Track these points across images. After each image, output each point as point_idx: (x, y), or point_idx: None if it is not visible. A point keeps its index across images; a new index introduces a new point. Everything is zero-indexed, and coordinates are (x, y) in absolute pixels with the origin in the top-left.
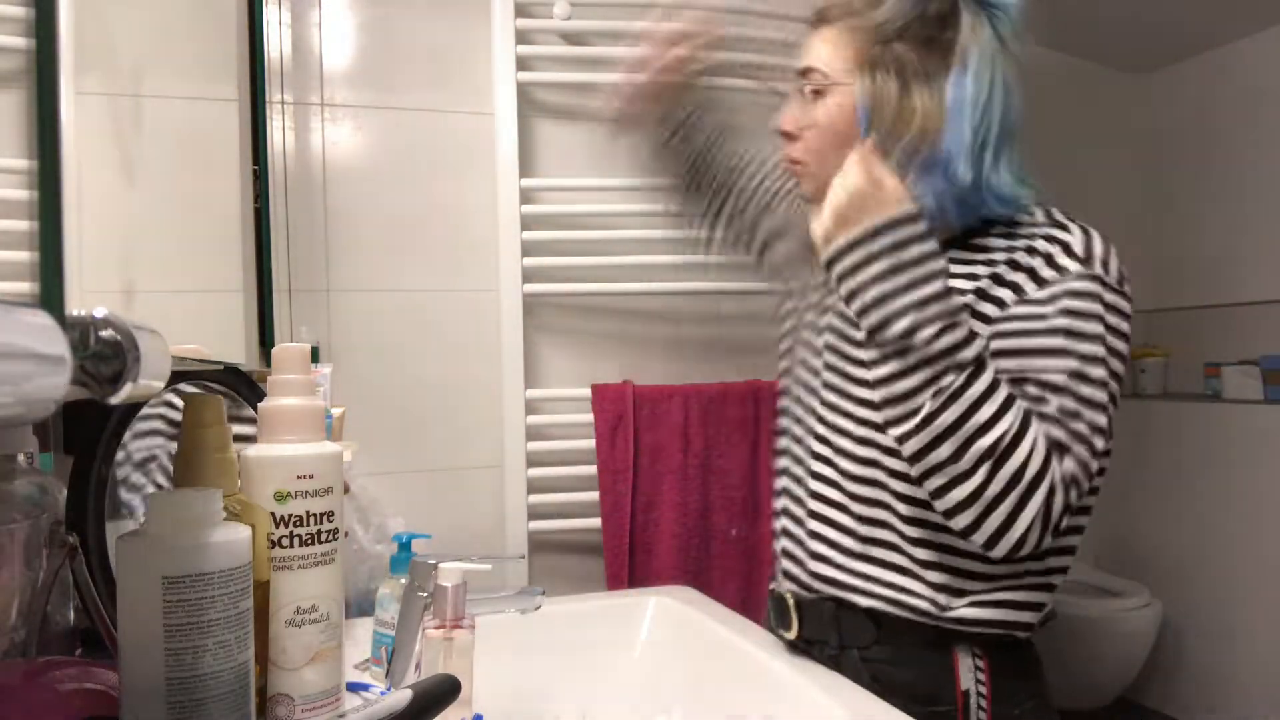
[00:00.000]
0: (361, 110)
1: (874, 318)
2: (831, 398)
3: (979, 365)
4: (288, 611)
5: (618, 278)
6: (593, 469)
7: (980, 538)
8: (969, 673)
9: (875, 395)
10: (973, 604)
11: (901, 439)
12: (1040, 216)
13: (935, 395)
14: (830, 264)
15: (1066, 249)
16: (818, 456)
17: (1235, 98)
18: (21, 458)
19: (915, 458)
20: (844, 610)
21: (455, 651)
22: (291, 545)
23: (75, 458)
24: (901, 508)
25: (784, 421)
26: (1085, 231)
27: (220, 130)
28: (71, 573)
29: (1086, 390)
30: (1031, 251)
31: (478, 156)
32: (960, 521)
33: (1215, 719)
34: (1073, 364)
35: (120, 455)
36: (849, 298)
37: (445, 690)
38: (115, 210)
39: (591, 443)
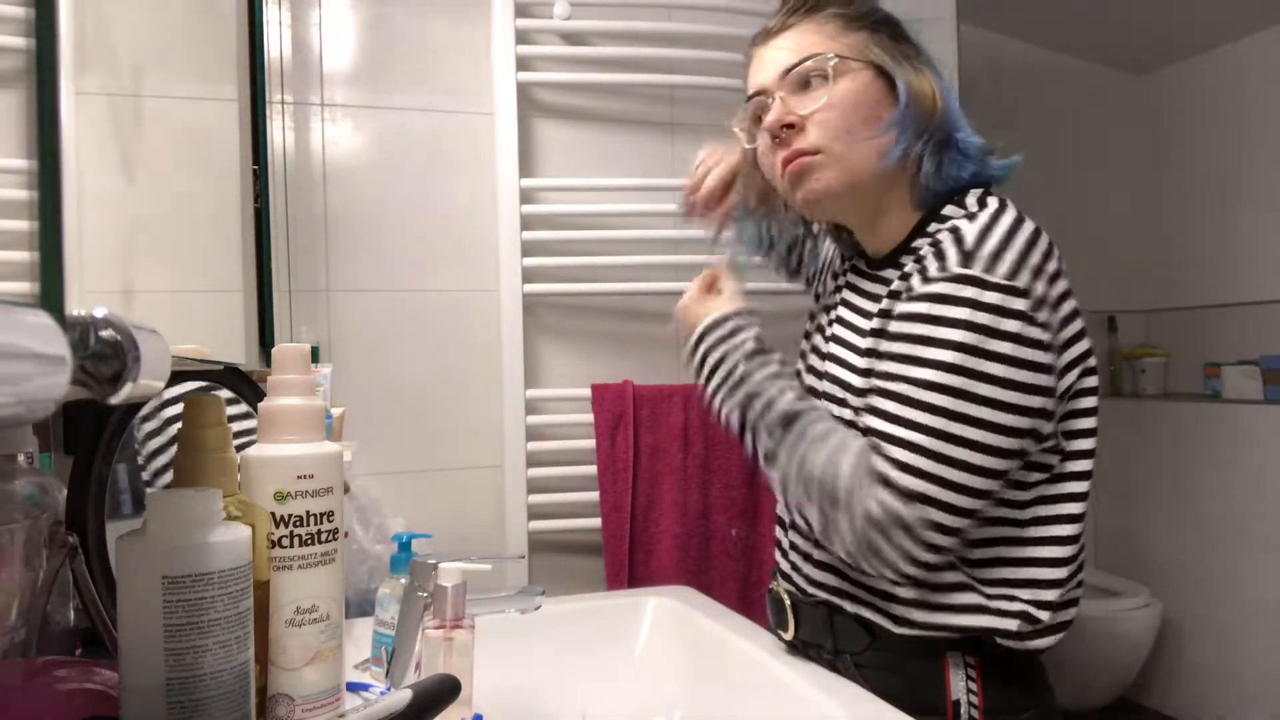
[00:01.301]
0: (361, 110)
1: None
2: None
3: (787, 420)
4: (288, 611)
5: (618, 278)
6: (593, 469)
7: (843, 554)
8: (960, 681)
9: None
10: (952, 611)
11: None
12: (971, 203)
13: (754, 452)
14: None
15: (958, 240)
16: None
17: (1235, 98)
18: (21, 458)
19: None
20: (838, 615)
21: (455, 651)
22: (291, 545)
23: (75, 458)
24: None
25: None
26: (992, 218)
27: (220, 130)
28: (71, 573)
29: (909, 391)
30: (931, 244)
31: (478, 156)
32: (833, 549)
33: (1215, 719)
34: (925, 373)
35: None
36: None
37: (445, 690)
38: (115, 210)
39: (591, 443)
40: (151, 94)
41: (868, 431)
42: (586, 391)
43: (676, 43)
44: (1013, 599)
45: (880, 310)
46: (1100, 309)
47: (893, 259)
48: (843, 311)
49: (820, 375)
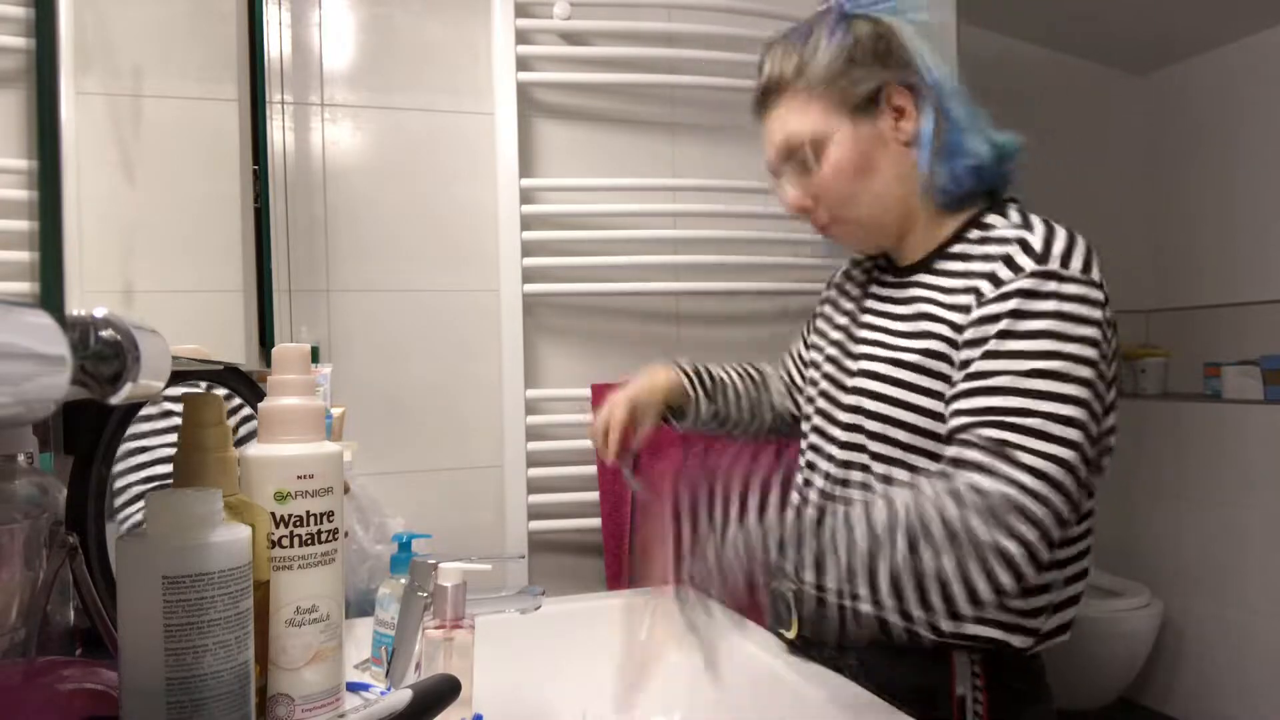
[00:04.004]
0: (361, 110)
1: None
2: (828, 407)
3: (804, 551)
4: (288, 611)
5: (618, 278)
6: (593, 469)
7: (967, 610)
8: (965, 679)
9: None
10: (962, 619)
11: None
12: (1015, 217)
13: (822, 587)
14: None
15: (1025, 247)
16: (832, 459)
17: (1235, 98)
18: (21, 458)
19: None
20: (843, 612)
21: (455, 651)
22: (291, 545)
23: (75, 458)
24: None
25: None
26: (1049, 228)
27: (220, 130)
28: (71, 573)
29: (1039, 384)
30: (995, 257)
31: (478, 156)
32: (933, 613)
33: (1215, 719)
34: (1022, 363)
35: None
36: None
37: (445, 690)
38: (115, 210)
39: (591, 443)
40: (151, 94)
41: (970, 438)
42: (586, 391)
43: (676, 43)
44: (1028, 603)
45: (944, 320)
46: None
47: (926, 264)
48: (873, 319)
49: (849, 389)
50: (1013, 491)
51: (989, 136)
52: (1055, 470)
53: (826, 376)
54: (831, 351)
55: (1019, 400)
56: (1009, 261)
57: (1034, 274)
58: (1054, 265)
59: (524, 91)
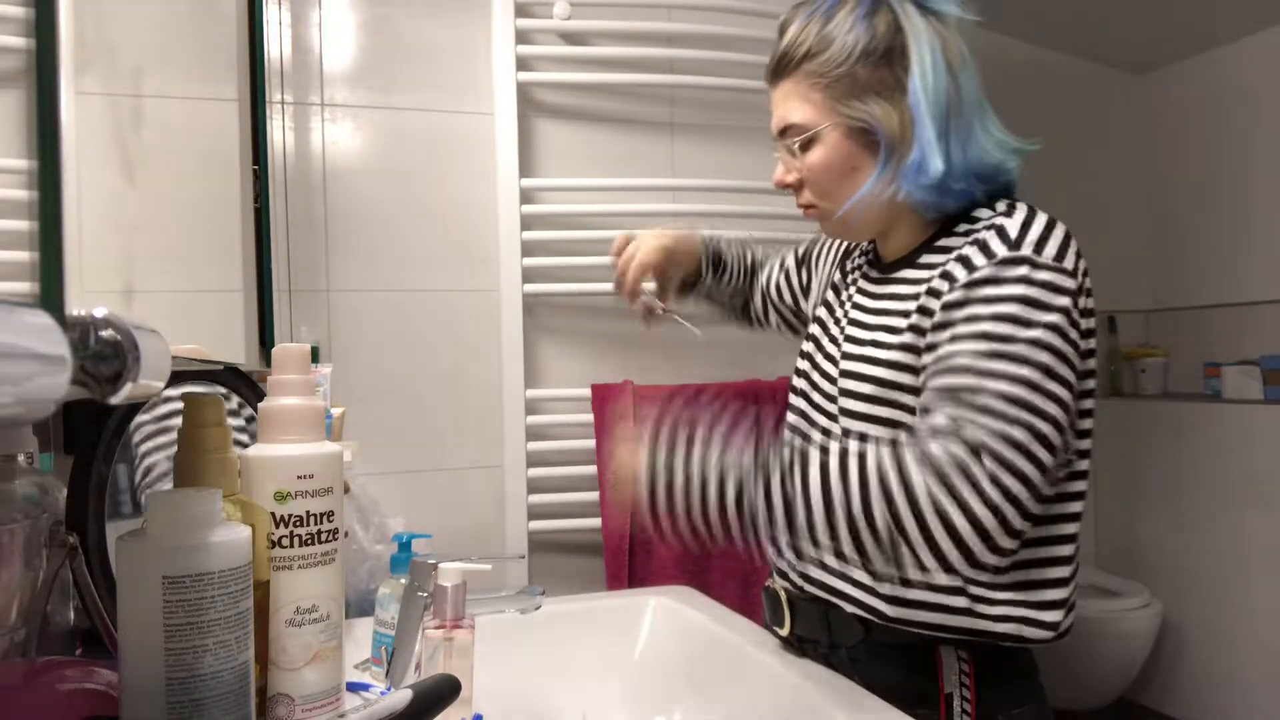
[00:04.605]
0: (361, 110)
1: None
2: (819, 400)
3: (777, 481)
4: (288, 611)
5: None
6: (593, 469)
7: (917, 573)
8: (953, 675)
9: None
10: (950, 612)
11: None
12: (1001, 206)
13: (761, 527)
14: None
15: (1000, 233)
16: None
17: (1235, 98)
18: (21, 458)
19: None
20: (833, 610)
21: (455, 651)
22: (291, 545)
23: (75, 458)
24: None
25: (790, 417)
26: (1029, 215)
27: (220, 130)
28: (71, 573)
29: (995, 365)
30: (973, 242)
31: (478, 156)
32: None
33: (1215, 719)
34: (983, 344)
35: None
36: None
37: (445, 690)
38: (115, 210)
39: (591, 443)
40: (151, 94)
41: (928, 418)
42: (586, 391)
43: (676, 43)
44: (1016, 604)
45: (919, 307)
46: (1100, 309)
47: (911, 260)
48: (857, 314)
49: (830, 377)
50: (963, 461)
51: (984, 155)
52: (1004, 448)
53: (807, 356)
54: (814, 330)
55: (973, 379)
56: (983, 247)
57: (1004, 260)
58: (1026, 251)
59: (524, 91)
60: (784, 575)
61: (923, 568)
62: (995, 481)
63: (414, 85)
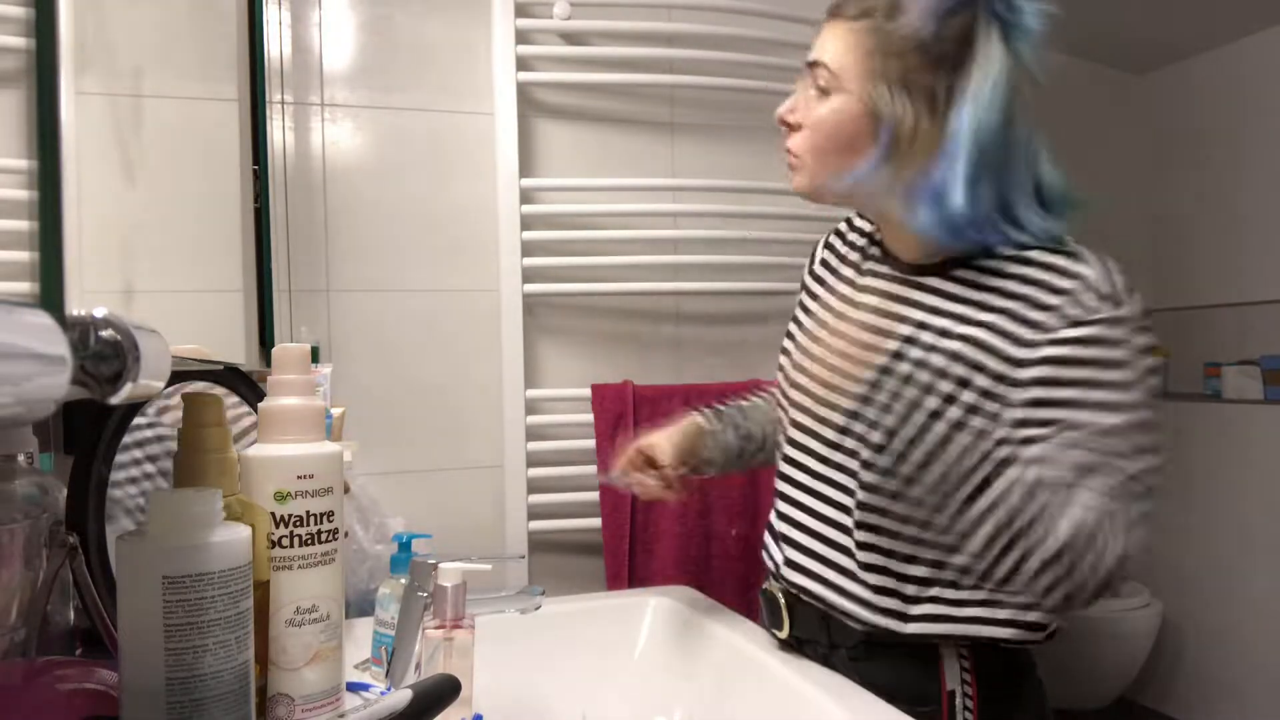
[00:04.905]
0: (361, 110)
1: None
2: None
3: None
4: (288, 611)
5: (618, 278)
6: (593, 469)
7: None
8: (955, 674)
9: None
10: (947, 621)
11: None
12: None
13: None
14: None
15: (1088, 284)
16: (803, 469)
17: (1235, 98)
18: (21, 458)
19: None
20: (831, 612)
21: (455, 651)
22: (291, 545)
23: (75, 458)
24: (875, 520)
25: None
26: (1101, 263)
27: (220, 130)
28: (71, 573)
29: (1133, 433)
30: (1049, 287)
31: (478, 156)
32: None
33: (1215, 719)
34: (1117, 417)
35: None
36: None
37: (445, 690)
38: (115, 210)
39: (591, 443)
40: (151, 94)
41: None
42: (586, 391)
43: (676, 43)
44: (1017, 606)
45: (978, 340)
46: None
47: (942, 270)
48: (884, 304)
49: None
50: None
51: (1024, 219)
52: (1140, 526)
53: (805, 333)
54: (807, 321)
55: (1121, 463)
56: (1075, 299)
57: (1111, 320)
58: (1125, 310)
59: (524, 91)
60: (780, 578)
61: (1062, 604)
62: (1128, 545)
63: (414, 85)
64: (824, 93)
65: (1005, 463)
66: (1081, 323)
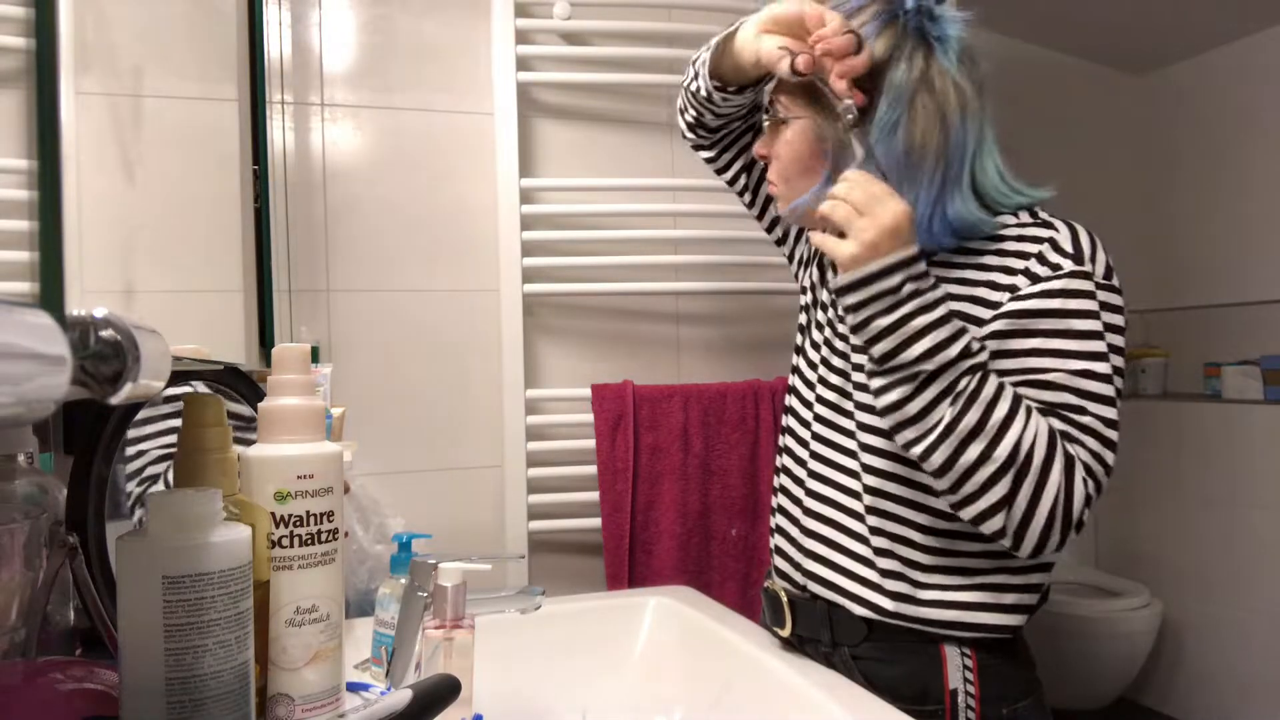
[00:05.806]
0: (361, 110)
1: (885, 346)
2: (830, 396)
3: (985, 367)
4: (288, 611)
5: (618, 278)
6: (593, 469)
7: (1010, 541)
8: (957, 671)
9: (885, 421)
10: (957, 607)
11: (925, 454)
12: (1025, 216)
13: (953, 401)
14: (841, 294)
15: (1055, 245)
16: (816, 457)
17: (1235, 98)
18: (21, 458)
19: (943, 469)
20: (835, 609)
21: (455, 651)
22: (291, 545)
23: (75, 458)
24: (891, 508)
25: (787, 419)
26: (1071, 228)
27: (220, 130)
28: (71, 573)
29: (1090, 385)
30: (1021, 254)
31: (478, 156)
32: (990, 526)
33: (1215, 719)
34: (1074, 363)
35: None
36: (857, 328)
37: (445, 690)
38: (115, 210)
39: (591, 443)
40: (151, 94)
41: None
42: (586, 391)
43: (676, 43)
44: (1022, 589)
45: (967, 314)
46: None
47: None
48: None
49: (840, 353)
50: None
51: (961, 213)
52: (1097, 467)
53: (818, 328)
54: (820, 315)
55: (1073, 398)
56: (1041, 259)
57: (1072, 273)
58: (1089, 266)
59: (524, 91)
60: (783, 576)
61: (1017, 533)
62: (1087, 487)
63: (414, 85)
64: (782, 123)
65: (985, 377)
66: (1045, 278)
